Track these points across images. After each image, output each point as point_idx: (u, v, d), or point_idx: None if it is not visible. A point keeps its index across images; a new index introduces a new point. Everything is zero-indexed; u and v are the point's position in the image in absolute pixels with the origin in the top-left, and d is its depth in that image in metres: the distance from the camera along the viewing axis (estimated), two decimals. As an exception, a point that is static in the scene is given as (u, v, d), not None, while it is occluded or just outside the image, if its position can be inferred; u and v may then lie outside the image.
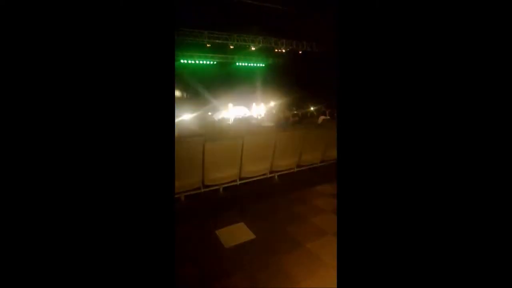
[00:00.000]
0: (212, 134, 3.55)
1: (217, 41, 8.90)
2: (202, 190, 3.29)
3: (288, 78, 11.51)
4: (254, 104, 11.26)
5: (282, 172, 3.98)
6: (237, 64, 11.07)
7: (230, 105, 10.77)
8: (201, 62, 10.08)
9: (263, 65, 11.76)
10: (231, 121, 7.88)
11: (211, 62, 10.36)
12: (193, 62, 9.92)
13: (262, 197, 3.32)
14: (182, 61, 9.63)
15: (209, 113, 10.37)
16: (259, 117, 8.49)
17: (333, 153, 4.34)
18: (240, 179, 3.58)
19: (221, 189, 3.45)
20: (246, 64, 11.27)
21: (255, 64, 11.56)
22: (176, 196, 3.04)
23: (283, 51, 10.37)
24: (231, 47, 9.41)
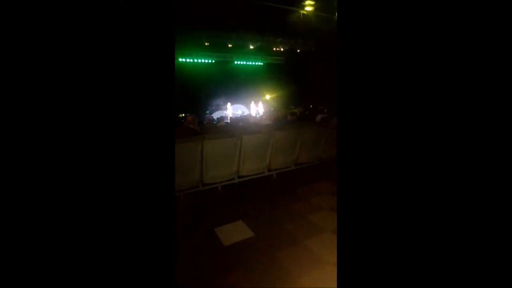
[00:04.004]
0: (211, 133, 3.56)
1: (215, 39, 8.88)
2: (201, 188, 3.31)
3: (286, 76, 11.50)
4: (252, 102, 11.26)
5: (280, 170, 4.00)
6: (236, 62, 11.03)
7: (229, 104, 10.77)
8: (199, 60, 10.04)
9: (262, 63, 11.74)
10: (229, 119, 7.88)
11: (210, 61, 10.32)
12: (191, 60, 9.89)
13: (260, 195, 3.34)
14: (180, 59, 9.60)
15: (207, 112, 10.37)
16: (257, 116, 8.50)
17: (330, 151, 4.36)
18: (239, 177, 3.60)
19: (219, 187, 3.47)
20: (244, 62, 11.24)
21: (253, 63, 11.52)
22: (175, 194, 3.05)
23: (282, 49, 10.36)
24: (229, 45, 9.39)
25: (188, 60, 9.81)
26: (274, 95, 11.85)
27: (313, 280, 1.78)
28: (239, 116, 9.44)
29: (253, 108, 11.19)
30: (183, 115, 8.69)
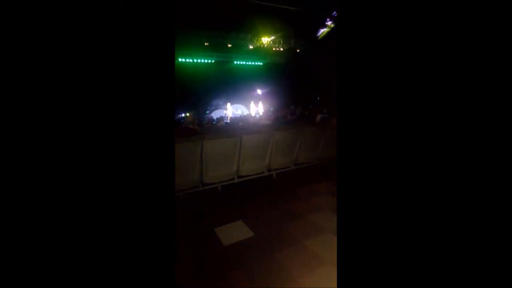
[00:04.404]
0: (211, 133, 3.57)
1: (215, 39, 8.89)
2: (201, 188, 3.31)
3: (286, 76, 11.52)
4: (252, 102, 11.27)
5: (280, 171, 4.00)
6: (235, 62, 11.04)
7: (228, 103, 10.77)
8: (199, 60, 10.05)
9: (261, 63, 11.74)
10: (229, 119, 7.88)
11: (209, 61, 10.32)
12: (191, 60, 9.89)
13: (260, 195, 3.34)
14: (180, 59, 9.60)
15: (207, 112, 10.37)
16: (257, 116, 8.50)
17: (330, 151, 4.36)
18: (239, 177, 3.60)
19: (219, 188, 3.47)
20: (244, 62, 11.24)
21: (253, 63, 11.53)
22: (175, 194, 3.05)
23: (281, 49, 10.37)
24: (229, 45, 9.40)
25: (188, 60, 9.81)
26: (273, 95, 11.84)
27: (313, 280, 1.78)
28: (238, 116, 9.44)
29: (252, 108, 11.19)
30: (183, 115, 8.70)
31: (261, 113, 9.64)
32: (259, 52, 10.62)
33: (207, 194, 3.32)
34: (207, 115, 9.60)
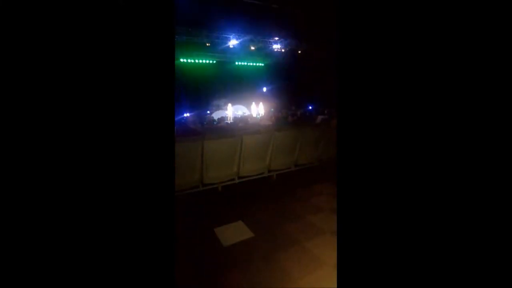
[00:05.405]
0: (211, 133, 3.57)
1: (216, 40, 8.90)
2: (201, 188, 3.31)
3: (287, 77, 11.52)
4: (253, 103, 11.26)
5: (280, 171, 4.00)
6: (237, 63, 11.05)
7: (229, 104, 10.77)
8: (200, 61, 10.06)
9: (263, 64, 11.75)
10: (230, 120, 7.88)
11: (211, 61, 10.34)
12: (192, 61, 9.91)
13: (260, 195, 3.34)
14: (181, 60, 9.61)
15: (208, 112, 10.37)
16: (258, 116, 8.49)
17: (331, 152, 4.36)
18: (239, 178, 3.60)
19: (219, 188, 3.47)
20: (245, 63, 11.26)
21: (254, 64, 11.54)
22: (175, 194, 3.05)
23: (282, 50, 10.37)
24: (230, 46, 9.41)
25: (189, 60, 9.83)
26: (274, 96, 11.84)
27: (313, 281, 1.78)
28: (239, 116, 9.44)
29: (253, 108, 11.19)
30: (185, 115, 8.71)
31: (262, 114, 9.63)
32: (261, 52, 10.62)
33: (207, 194, 3.32)
34: (208, 116, 9.59)
